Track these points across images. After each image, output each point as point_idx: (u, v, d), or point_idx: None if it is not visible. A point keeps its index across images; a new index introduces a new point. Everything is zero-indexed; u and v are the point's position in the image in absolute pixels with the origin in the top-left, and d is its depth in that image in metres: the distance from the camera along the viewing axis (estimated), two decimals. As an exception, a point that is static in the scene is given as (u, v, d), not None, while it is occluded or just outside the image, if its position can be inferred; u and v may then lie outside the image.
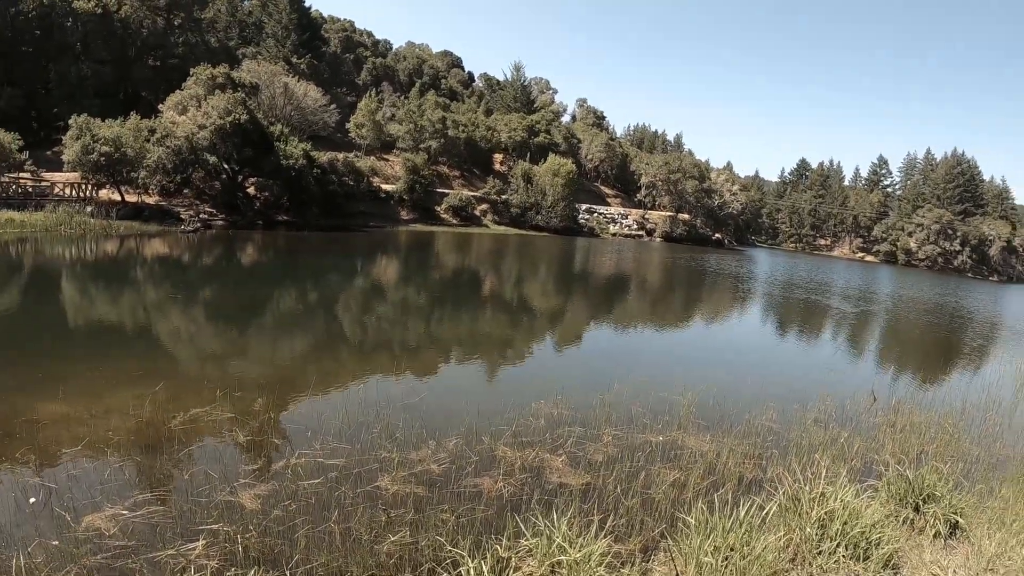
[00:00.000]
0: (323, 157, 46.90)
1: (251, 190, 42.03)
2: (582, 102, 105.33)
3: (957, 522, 6.51)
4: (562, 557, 5.05)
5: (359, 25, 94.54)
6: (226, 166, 39.59)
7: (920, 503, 6.74)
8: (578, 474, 7.65)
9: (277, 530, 5.91)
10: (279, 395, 9.85)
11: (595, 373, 13.46)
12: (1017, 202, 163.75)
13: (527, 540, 5.39)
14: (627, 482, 7.37)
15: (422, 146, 63.88)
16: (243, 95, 39.88)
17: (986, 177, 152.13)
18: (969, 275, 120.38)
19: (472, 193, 62.05)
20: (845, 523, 5.80)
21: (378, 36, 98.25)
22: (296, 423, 8.85)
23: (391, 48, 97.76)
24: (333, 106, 59.52)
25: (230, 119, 36.72)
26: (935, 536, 6.34)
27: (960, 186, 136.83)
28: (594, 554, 5.05)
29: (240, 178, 40.86)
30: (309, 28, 71.61)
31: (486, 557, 5.05)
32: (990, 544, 6.07)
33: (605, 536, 5.51)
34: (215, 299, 18.96)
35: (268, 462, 7.47)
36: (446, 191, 59.70)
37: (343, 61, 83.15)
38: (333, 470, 7.17)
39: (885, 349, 22.60)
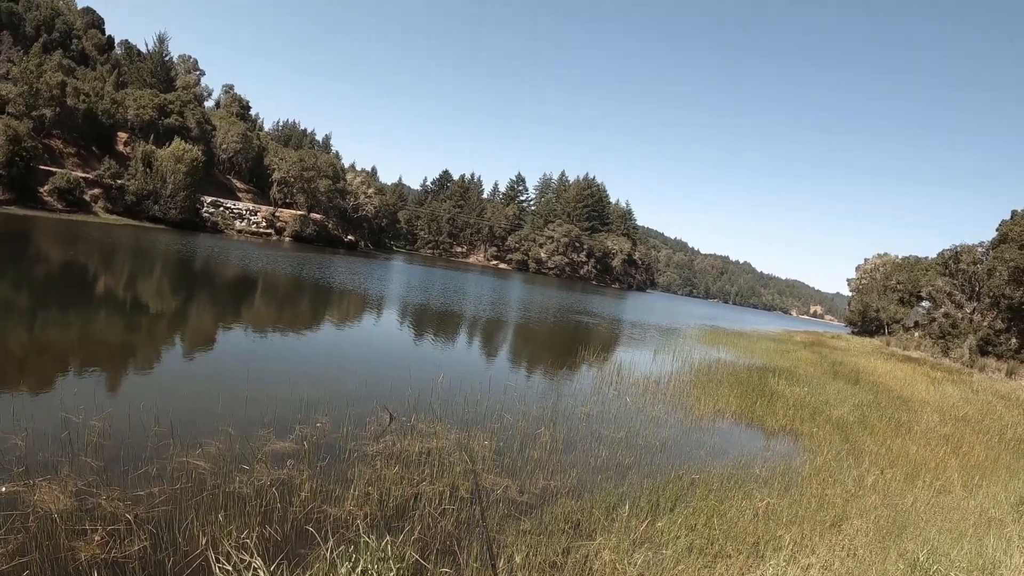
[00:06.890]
0: None
1: None
2: (228, 88, 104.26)
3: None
4: None
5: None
6: None
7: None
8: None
9: None
10: None
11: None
12: (639, 223, 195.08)
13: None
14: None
15: (35, 113, 59.99)
16: None
17: (613, 200, 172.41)
18: (594, 283, 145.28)
19: (84, 175, 59.45)
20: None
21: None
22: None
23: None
24: None
25: None
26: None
27: (589, 206, 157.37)
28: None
29: None
30: None
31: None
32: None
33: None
34: None
35: None
36: (54, 169, 56.60)
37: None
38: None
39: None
